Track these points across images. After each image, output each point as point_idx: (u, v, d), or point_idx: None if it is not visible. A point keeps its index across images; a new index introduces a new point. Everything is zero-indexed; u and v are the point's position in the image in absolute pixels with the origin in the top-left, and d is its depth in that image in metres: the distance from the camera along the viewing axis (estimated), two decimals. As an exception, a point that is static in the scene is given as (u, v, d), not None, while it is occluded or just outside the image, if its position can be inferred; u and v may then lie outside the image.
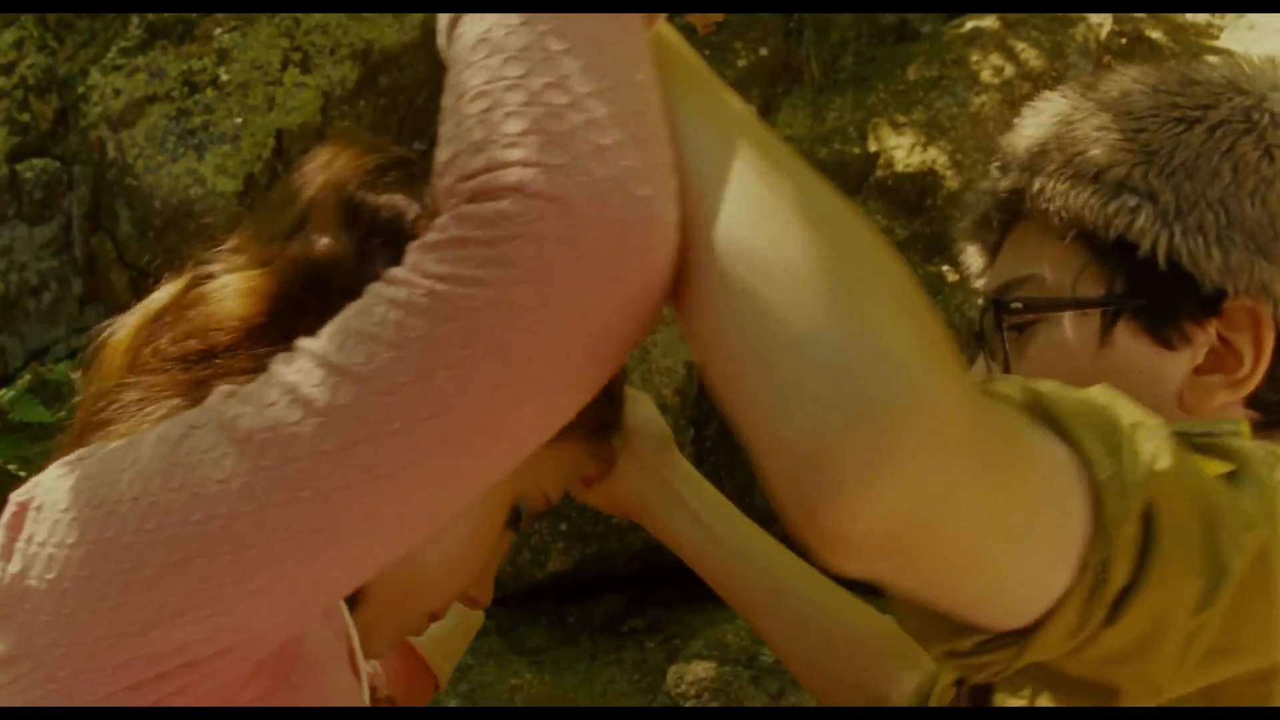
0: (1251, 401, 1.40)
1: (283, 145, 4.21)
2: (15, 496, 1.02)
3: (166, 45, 4.28)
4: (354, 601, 1.36)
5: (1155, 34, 4.55)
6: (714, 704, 2.90)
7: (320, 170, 1.31)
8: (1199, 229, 1.36)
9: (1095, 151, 1.42)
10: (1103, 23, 4.46)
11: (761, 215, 0.92)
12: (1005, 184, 1.48)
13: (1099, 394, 1.09)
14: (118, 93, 4.17)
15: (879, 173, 3.37)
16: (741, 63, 4.36)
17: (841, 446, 0.85)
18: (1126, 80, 1.46)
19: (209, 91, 4.17)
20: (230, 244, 1.29)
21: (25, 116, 4.33)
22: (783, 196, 0.92)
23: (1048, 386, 1.05)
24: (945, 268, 3.13)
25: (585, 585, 3.14)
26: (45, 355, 4.33)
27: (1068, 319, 1.42)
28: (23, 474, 3.16)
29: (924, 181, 3.30)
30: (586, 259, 0.86)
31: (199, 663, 0.96)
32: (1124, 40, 4.40)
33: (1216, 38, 4.56)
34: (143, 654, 0.94)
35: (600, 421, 1.45)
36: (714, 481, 3.12)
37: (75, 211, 4.36)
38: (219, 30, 4.30)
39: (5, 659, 1.00)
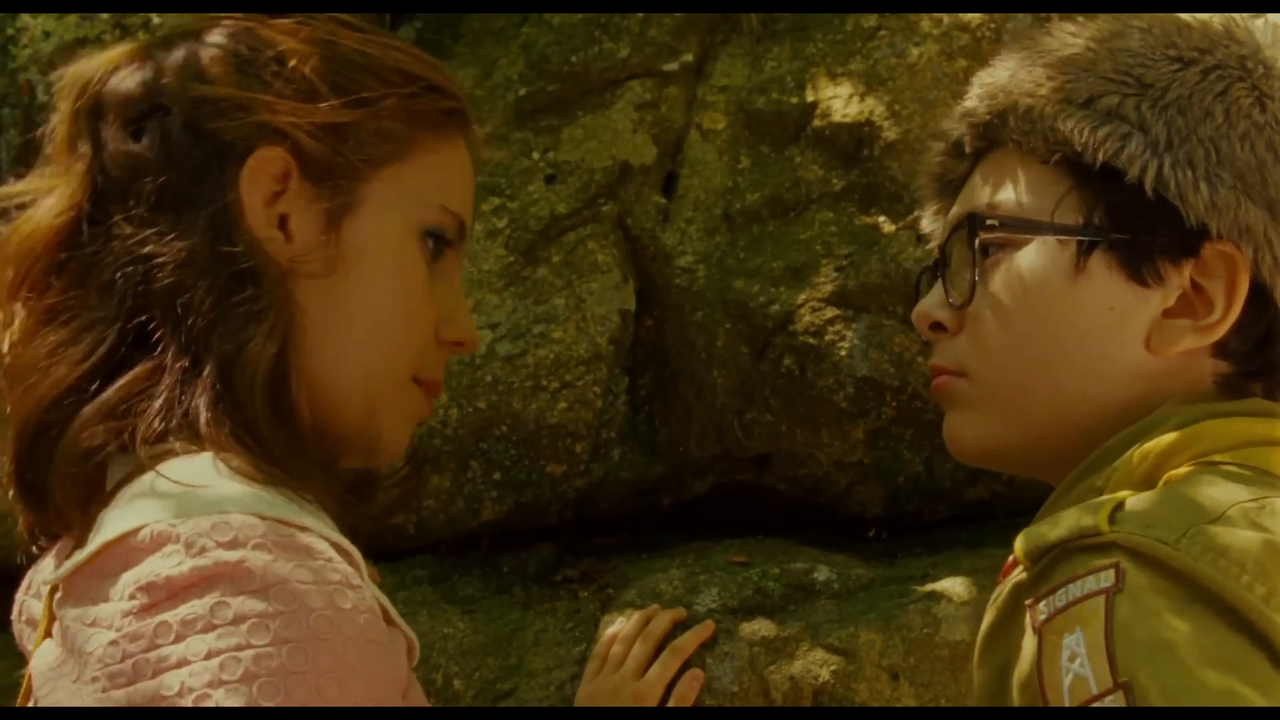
0: (1220, 350, 1.41)
1: (215, 90, 4.16)
2: None
3: (97, -13, 4.21)
4: (327, 438, 1.43)
5: (1093, -13, 4.55)
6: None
7: None
8: (1188, 162, 1.37)
9: (1087, 80, 1.42)
10: (1041, -26, 4.46)
11: None
12: (985, 108, 1.48)
13: None
14: (48, 35, 4.10)
15: (816, 123, 3.37)
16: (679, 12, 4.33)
17: None
18: (1116, 23, 1.47)
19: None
20: None
21: (-47, 58, 4.26)
22: None
23: None
24: (881, 218, 3.14)
25: (518, 534, 3.14)
26: (-26, 301, 4.28)
27: (1042, 246, 1.42)
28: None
29: (861, 132, 3.30)
30: None
31: None
32: (1062, -7, 4.40)
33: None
34: None
35: (435, 110, 1.54)
36: (648, 430, 3.13)
37: (4, 155, 4.30)
38: (151, -28, 4.23)
39: None
